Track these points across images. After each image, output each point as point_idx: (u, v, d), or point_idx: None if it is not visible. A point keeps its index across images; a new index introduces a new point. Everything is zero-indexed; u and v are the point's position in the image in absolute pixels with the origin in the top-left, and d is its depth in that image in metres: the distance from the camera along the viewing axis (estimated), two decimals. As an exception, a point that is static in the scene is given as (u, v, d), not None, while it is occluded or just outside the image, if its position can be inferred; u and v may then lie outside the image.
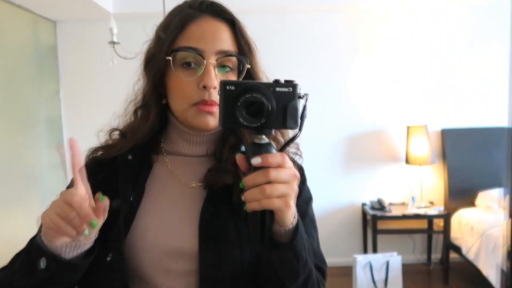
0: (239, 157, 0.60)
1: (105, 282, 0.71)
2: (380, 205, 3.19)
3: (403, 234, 3.42)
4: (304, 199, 0.82)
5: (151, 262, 0.72)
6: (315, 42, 3.34)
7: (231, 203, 0.73)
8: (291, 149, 0.80)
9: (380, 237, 3.19)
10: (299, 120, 0.59)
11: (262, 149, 0.58)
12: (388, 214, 3.12)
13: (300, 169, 0.82)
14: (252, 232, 0.62)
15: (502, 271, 2.32)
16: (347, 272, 3.25)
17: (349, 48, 3.36)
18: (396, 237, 3.40)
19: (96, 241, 0.68)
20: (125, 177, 0.76)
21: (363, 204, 3.40)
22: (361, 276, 2.80)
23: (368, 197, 3.40)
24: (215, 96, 0.71)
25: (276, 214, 0.60)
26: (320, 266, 0.77)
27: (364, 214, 3.39)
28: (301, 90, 0.59)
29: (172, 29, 0.73)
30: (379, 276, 2.82)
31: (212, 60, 0.72)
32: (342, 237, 3.46)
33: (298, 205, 0.65)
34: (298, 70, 3.26)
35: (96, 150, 0.82)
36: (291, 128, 0.59)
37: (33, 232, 0.69)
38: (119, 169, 0.76)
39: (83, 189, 0.62)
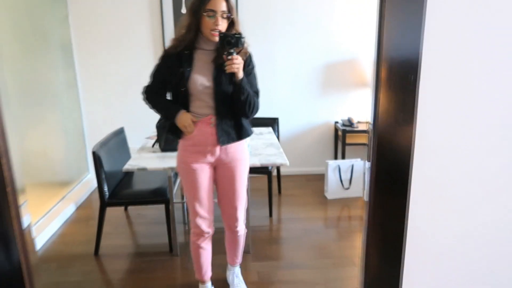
0: (224, 56, 1.66)
1: (181, 98, 1.77)
2: (349, 123, 3.82)
3: (366, 146, 4.08)
4: (251, 67, 1.80)
5: (196, 90, 1.74)
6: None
7: (223, 68, 1.68)
8: (247, 48, 1.77)
9: (348, 148, 3.86)
10: (240, 44, 1.66)
11: (232, 53, 1.64)
12: (355, 129, 3.76)
13: (249, 56, 1.79)
14: (229, 79, 1.73)
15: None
16: (321, 177, 3.97)
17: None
18: (361, 147, 4.07)
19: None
20: (184, 59, 1.74)
21: (336, 122, 4.02)
22: (331, 176, 3.48)
23: (340, 116, 4.01)
24: (219, 29, 1.67)
25: (235, 74, 1.66)
26: (256, 91, 1.81)
27: (336, 130, 4.03)
28: (242, 37, 1.66)
29: (202, 2, 1.66)
30: (346, 176, 3.52)
31: (219, 15, 1.67)
32: (318, 149, 4.11)
33: (248, 69, 1.76)
34: (277, 2, 3.66)
35: (167, 49, 1.78)
36: (240, 47, 1.66)
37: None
38: (181, 56, 1.74)
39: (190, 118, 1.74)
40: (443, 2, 0.90)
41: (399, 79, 0.98)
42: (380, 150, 1.03)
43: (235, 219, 1.98)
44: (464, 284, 1.07)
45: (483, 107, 0.98)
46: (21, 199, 1.03)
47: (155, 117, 2.86)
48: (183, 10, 3.59)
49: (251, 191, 2.15)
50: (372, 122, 1.03)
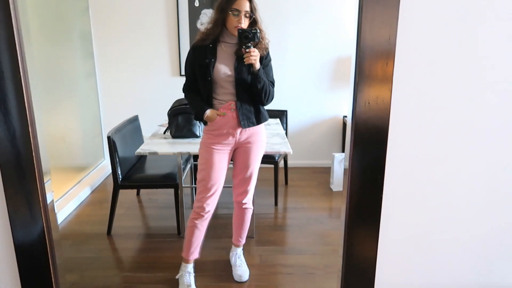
0: (243, 49, 1.86)
1: (207, 86, 1.96)
2: (357, 117, 3.88)
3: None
4: (268, 59, 2.00)
5: (219, 79, 1.94)
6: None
7: (243, 59, 1.88)
8: (267, 44, 1.98)
9: (355, 143, 3.93)
10: (257, 39, 1.85)
11: (250, 47, 1.84)
12: (363, 124, 3.82)
13: (267, 49, 1.98)
14: (248, 69, 1.92)
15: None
16: (328, 170, 4.06)
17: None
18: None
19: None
20: (209, 52, 1.94)
21: (344, 116, 4.10)
22: (337, 168, 3.57)
23: (349, 111, 4.08)
24: (241, 26, 1.85)
25: (252, 65, 1.87)
26: (271, 81, 2.01)
27: (344, 124, 4.11)
28: (258, 32, 1.85)
29: (229, 2, 1.85)
30: (351, 169, 3.60)
31: (242, 14, 1.85)
32: (325, 142, 4.19)
33: (265, 61, 1.97)
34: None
35: (195, 43, 1.99)
36: (256, 41, 1.86)
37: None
38: (206, 49, 1.95)
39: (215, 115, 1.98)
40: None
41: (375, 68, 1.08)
42: (357, 137, 1.13)
43: (245, 194, 2.16)
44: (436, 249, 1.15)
45: (453, 93, 1.06)
46: (45, 179, 1.16)
47: (167, 106, 2.99)
48: (196, 3, 3.72)
49: (258, 180, 2.27)
50: (351, 110, 1.13)
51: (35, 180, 1.07)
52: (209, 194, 2.03)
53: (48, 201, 1.16)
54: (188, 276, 2.16)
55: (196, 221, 2.07)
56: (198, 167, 2.06)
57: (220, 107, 1.98)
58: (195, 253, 2.17)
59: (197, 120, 2.07)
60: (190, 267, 2.18)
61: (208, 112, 1.97)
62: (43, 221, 1.10)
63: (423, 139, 1.10)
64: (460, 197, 1.11)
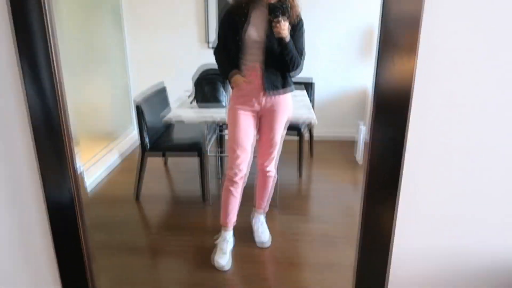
0: (273, 22, 1.84)
1: (235, 48, 1.97)
2: (386, 90, 3.79)
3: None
4: (299, 27, 1.96)
5: (249, 42, 1.94)
6: None
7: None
8: (298, 10, 1.94)
9: (383, 116, 3.85)
10: (287, 12, 1.84)
11: (280, 20, 1.83)
12: (392, 97, 3.73)
13: (300, 19, 1.95)
14: (277, 39, 1.90)
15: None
16: (354, 144, 4.01)
17: None
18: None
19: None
20: (242, 14, 1.94)
21: (373, 90, 4.00)
22: (362, 140, 3.52)
23: (378, 84, 3.99)
24: None
25: (282, 38, 1.85)
26: (301, 51, 1.98)
27: (372, 97, 4.01)
28: (288, 7, 1.84)
29: None
30: (378, 142, 3.54)
31: None
32: (352, 114, 4.11)
33: (297, 31, 1.93)
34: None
35: (229, 7, 1.98)
36: (286, 15, 1.84)
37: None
38: (239, 11, 1.94)
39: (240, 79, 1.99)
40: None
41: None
42: (379, 107, 1.10)
43: (269, 161, 2.17)
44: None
45: (483, 65, 1.01)
46: (75, 146, 1.20)
47: (194, 73, 3.01)
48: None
49: (283, 153, 2.28)
50: (374, 79, 1.11)
51: (64, 142, 1.10)
52: (238, 157, 2.04)
53: (77, 163, 1.20)
54: (225, 244, 2.17)
55: (231, 188, 2.11)
56: (228, 133, 2.09)
57: (246, 68, 1.99)
58: (232, 220, 2.20)
59: (225, 80, 2.12)
60: (228, 235, 2.20)
61: (234, 76, 1.98)
62: (72, 182, 1.14)
63: (448, 110, 1.06)
64: (485, 165, 1.08)
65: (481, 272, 1.15)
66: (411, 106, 1.07)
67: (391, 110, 1.08)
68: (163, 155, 3.09)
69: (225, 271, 2.07)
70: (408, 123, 1.06)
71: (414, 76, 1.02)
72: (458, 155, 1.08)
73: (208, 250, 2.19)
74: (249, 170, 2.12)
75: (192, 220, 2.59)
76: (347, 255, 2.22)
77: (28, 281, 1.18)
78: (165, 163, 3.60)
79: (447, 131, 1.07)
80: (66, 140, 1.10)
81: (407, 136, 1.06)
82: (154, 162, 3.52)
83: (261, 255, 2.24)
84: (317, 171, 3.42)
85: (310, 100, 3.52)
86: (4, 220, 1.12)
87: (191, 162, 3.56)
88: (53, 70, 1.08)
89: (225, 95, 2.76)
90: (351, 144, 4.02)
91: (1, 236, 1.14)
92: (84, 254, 1.10)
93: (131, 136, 4.10)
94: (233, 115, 2.05)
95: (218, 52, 2.09)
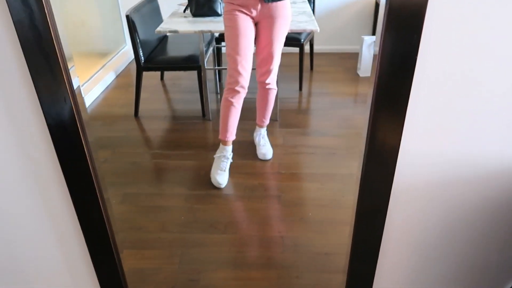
0: None
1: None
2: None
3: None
4: None
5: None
6: None
7: None
8: None
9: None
10: None
11: None
12: None
13: None
14: None
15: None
16: (356, 56, 3.87)
17: None
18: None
19: None
20: None
21: (377, -4, 3.77)
22: (365, 53, 3.40)
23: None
24: None
25: None
26: None
27: (376, 5, 3.79)
28: None
29: None
30: (381, 53, 3.43)
31: None
32: (355, 26, 3.92)
33: None
34: None
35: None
36: None
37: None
38: None
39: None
40: None
41: None
42: (391, 17, 1.01)
43: (268, 74, 2.08)
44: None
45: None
46: (67, 58, 1.12)
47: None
48: None
49: (282, 66, 2.18)
50: None
51: (57, 60, 1.04)
52: (239, 64, 1.94)
53: (73, 80, 1.16)
54: (225, 161, 2.15)
55: (232, 99, 2.02)
56: (226, 39, 1.97)
57: None
58: (232, 135, 2.14)
59: None
60: (227, 151, 2.16)
61: None
62: (71, 99, 1.10)
63: (464, 25, 0.97)
64: (494, 78, 1.03)
65: (481, 177, 1.17)
66: (425, 19, 0.99)
67: (404, 21, 0.99)
68: (160, 70, 3.00)
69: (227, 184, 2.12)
70: (421, 36, 0.98)
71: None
72: (470, 71, 1.03)
73: (210, 164, 2.22)
74: (248, 82, 2.05)
75: (192, 135, 2.60)
76: (346, 166, 2.26)
77: (36, 201, 1.19)
78: (162, 78, 3.52)
79: (463, 50, 1.00)
80: (59, 53, 1.04)
81: (419, 49, 1.00)
82: (150, 77, 3.44)
83: (263, 166, 2.28)
84: (317, 84, 3.36)
85: (311, 9, 3.33)
86: (5, 140, 1.10)
87: (188, 76, 3.48)
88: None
89: (221, 4, 2.59)
90: (352, 56, 3.90)
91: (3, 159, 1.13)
92: (90, 167, 1.10)
93: (124, 52, 3.95)
94: (231, 20, 1.92)
95: None
